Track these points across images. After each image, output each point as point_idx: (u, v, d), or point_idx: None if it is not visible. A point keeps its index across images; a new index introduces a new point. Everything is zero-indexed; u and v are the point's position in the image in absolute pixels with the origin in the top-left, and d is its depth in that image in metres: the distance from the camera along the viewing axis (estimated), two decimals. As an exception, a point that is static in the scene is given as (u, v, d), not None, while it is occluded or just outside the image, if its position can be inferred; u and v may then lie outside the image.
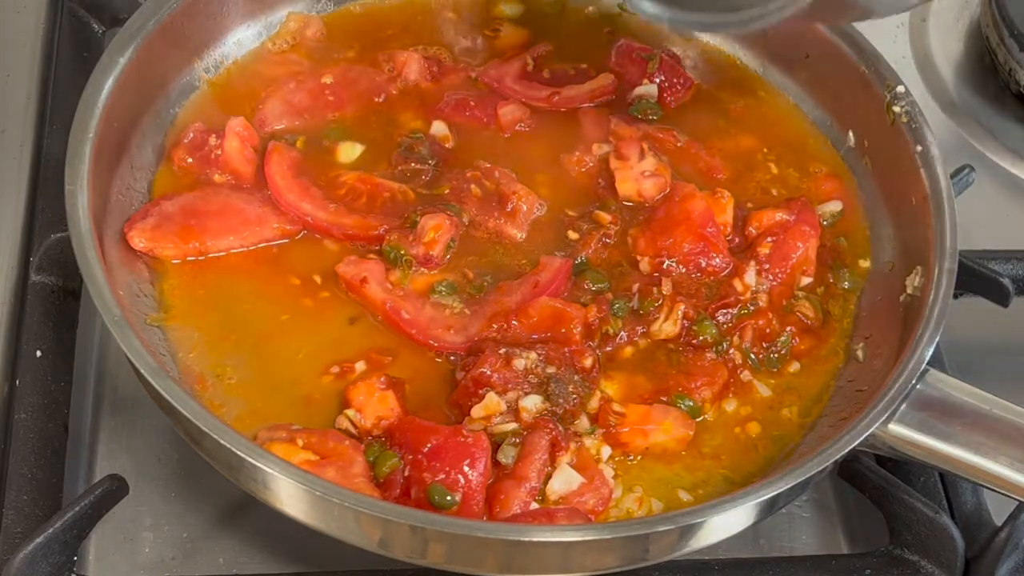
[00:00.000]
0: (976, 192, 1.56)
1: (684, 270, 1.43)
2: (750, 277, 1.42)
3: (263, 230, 1.42)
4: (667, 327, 1.38)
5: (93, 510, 1.26)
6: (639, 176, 1.49)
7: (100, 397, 1.44)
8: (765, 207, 1.48)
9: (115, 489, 1.28)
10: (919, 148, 1.46)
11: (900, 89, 1.50)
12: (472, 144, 1.53)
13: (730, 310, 1.41)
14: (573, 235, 1.46)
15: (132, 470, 1.37)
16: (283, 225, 1.43)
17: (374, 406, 1.29)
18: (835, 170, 1.55)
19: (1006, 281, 1.51)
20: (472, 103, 1.55)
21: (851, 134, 1.56)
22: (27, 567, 1.22)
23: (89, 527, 1.27)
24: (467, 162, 1.49)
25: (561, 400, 1.31)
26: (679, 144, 1.55)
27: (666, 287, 1.40)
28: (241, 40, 1.58)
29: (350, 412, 1.29)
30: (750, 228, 1.47)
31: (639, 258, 1.44)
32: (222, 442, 1.17)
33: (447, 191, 1.46)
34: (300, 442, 1.25)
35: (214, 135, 1.46)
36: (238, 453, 1.17)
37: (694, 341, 1.39)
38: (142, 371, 1.22)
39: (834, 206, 1.52)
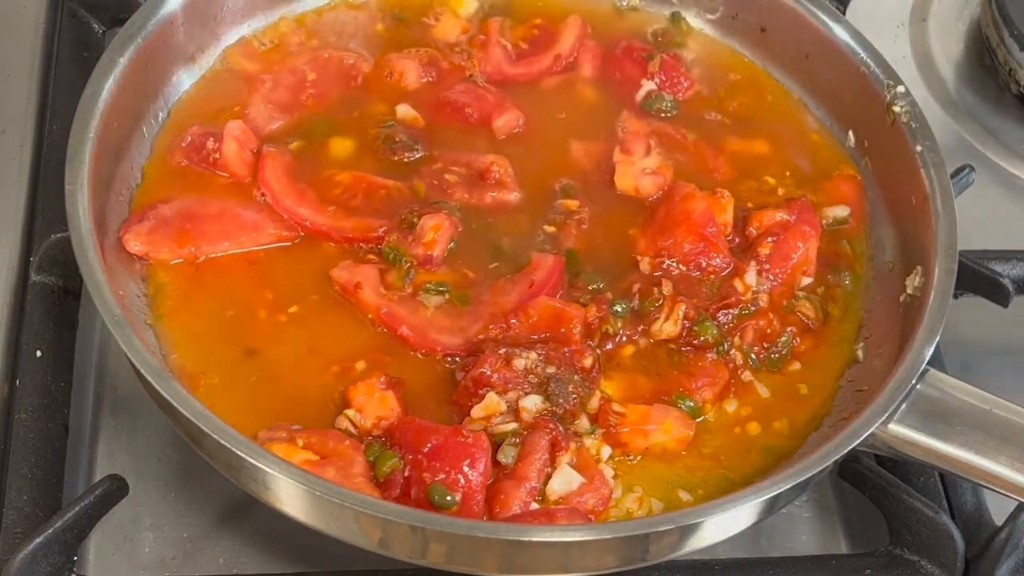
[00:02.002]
0: (976, 192, 1.56)
1: (684, 270, 1.43)
2: (751, 277, 1.42)
3: (260, 235, 1.42)
4: (668, 327, 1.38)
5: (93, 510, 1.26)
6: (639, 172, 1.50)
7: (100, 397, 1.44)
8: (765, 207, 1.48)
9: (115, 489, 1.28)
10: (919, 148, 1.46)
11: (900, 89, 1.50)
12: (461, 140, 1.53)
13: (731, 310, 1.40)
14: (550, 228, 1.46)
15: (132, 470, 1.36)
16: (280, 230, 1.42)
17: (374, 406, 1.29)
18: (849, 173, 1.55)
19: (1006, 281, 1.51)
20: (469, 110, 1.55)
21: (851, 134, 1.56)
22: (27, 567, 1.22)
23: (89, 527, 1.27)
24: (449, 144, 1.50)
25: (561, 400, 1.30)
26: (688, 142, 1.55)
27: (667, 287, 1.40)
28: (241, 40, 1.57)
29: (350, 412, 1.29)
30: (750, 228, 1.47)
31: (639, 258, 1.44)
32: (222, 442, 1.17)
33: (423, 187, 1.46)
34: (300, 442, 1.25)
35: (212, 138, 1.46)
36: (238, 453, 1.17)
37: (695, 341, 1.38)
38: (142, 371, 1.22)
39: (841, 210, 1.51)
